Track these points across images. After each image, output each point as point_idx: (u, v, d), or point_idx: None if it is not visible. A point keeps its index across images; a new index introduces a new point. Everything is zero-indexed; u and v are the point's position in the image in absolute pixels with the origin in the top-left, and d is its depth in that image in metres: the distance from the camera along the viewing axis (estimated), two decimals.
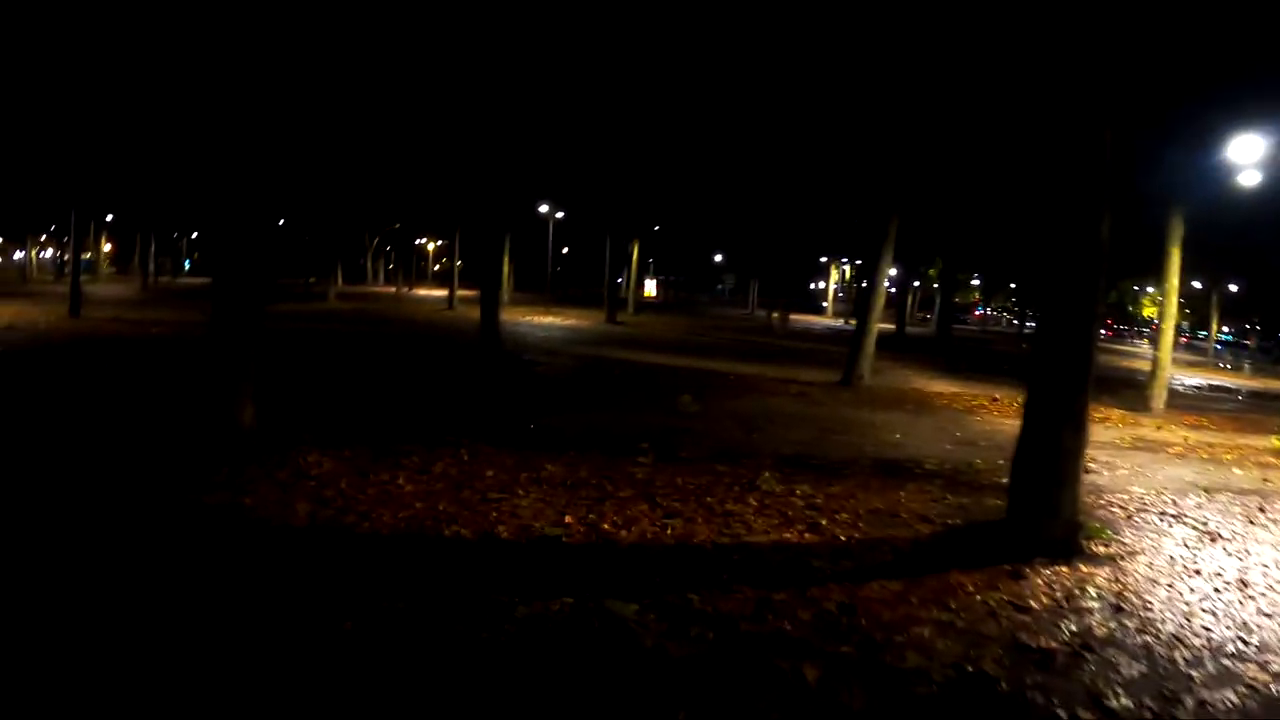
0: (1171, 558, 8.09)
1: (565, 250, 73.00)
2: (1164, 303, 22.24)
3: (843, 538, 8.02)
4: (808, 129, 26.16)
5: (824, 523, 8.41)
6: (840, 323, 62.33)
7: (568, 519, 7.97)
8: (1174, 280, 21.50)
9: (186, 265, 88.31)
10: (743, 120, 28.43)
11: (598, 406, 15.63)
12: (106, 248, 76.02)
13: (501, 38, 21.26)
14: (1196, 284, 55.54)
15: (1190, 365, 49.09)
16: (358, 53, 21.95)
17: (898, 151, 22.07)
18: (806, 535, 8.03)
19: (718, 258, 77.07)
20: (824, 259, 74.60)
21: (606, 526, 7.85)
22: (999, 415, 18.07)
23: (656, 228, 52.65)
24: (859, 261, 61.74)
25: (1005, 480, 9.26)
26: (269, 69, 10.68)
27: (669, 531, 7.84)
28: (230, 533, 7.23)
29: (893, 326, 44.28)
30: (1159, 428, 18.04)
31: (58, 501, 7.80)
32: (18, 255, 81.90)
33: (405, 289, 68.93)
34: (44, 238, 75.73)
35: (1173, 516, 9.77)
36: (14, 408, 12.64)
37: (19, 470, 8.87)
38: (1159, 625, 6.33)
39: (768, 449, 12.08)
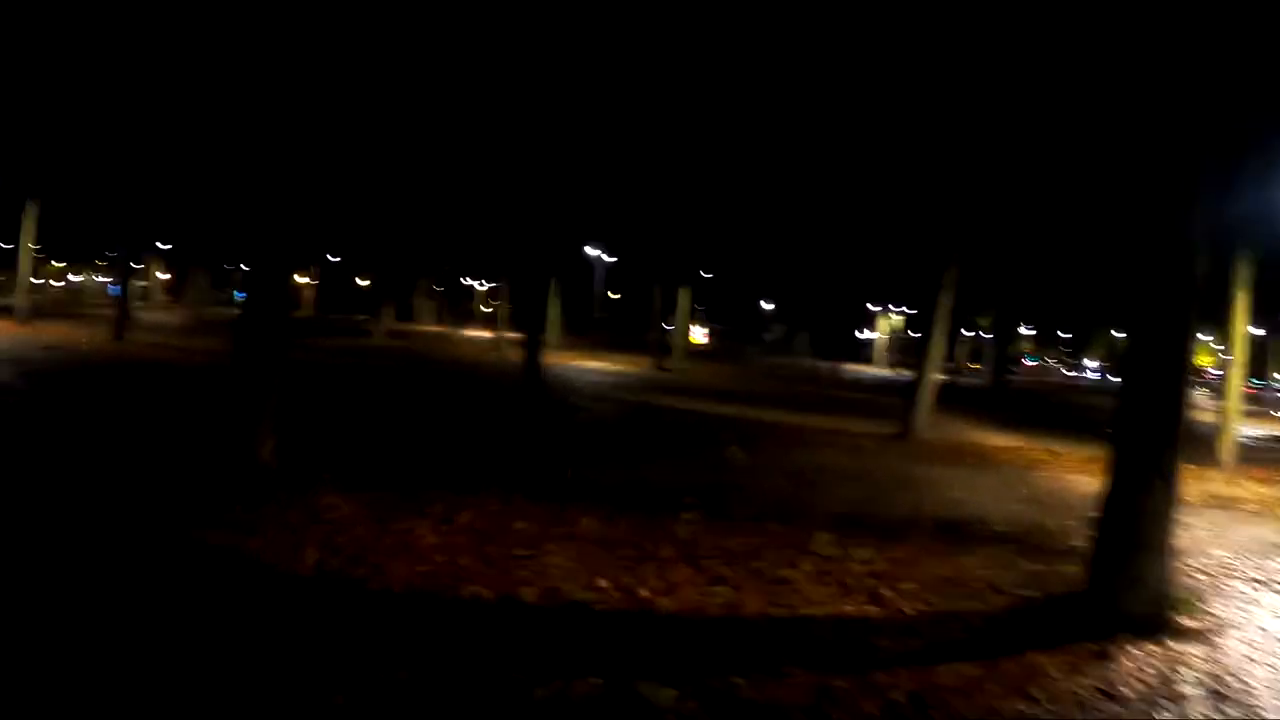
0: (1265, 630, 7.36)
1: (616, 295, 72.85)
2: (1231, 350, 21.29)
3: (908, 611, 7.21)
4: (862, 177, 25.62)
5: (886, 593, 7.59)
6: (890, 372, 61.28)
7: (601, 582, 7.22)
8: (1241, 326, 20.58)
9: (238, 296, 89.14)
10: (796, 169, 27.99)
11: (641, 457, 14.85)
12: (164, 276, 76.94)
13: (555, 83, 21.02)
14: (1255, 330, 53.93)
15: (1247, 415, 47.60)
16: (409, 96, 21.82)
17: (956, 199, 21.32)
18: (867, 607, 7.24)
19: (767, 306, 76.45)
20: (874, 307, 73.65)
21: (644, 593, 7.08)
22: (1063, 470, 17.21)
23: (708, 275, 52.26)
24: (911, 311, 60.94)
25: (1079, 544, 8.54)
26: (309, 110, 10.42)
27: (714, 600, 7.06)
28: (229, 578, 6.65)
29: (946, 377, 43.27)
30: (1229, 483, 17.12)
31: (51, 532, 7.33)
32: (73, 279, 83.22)
33: (453, 329, 68.88)
34: (103, 264, 76.90)
35: (1260, 582, 9.03)
36: (31, 429, 12.35)
37: (18, 496, 8.42)
38: (1265, 714, 5.63)
39: (821, 507, 11.22)
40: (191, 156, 28.09)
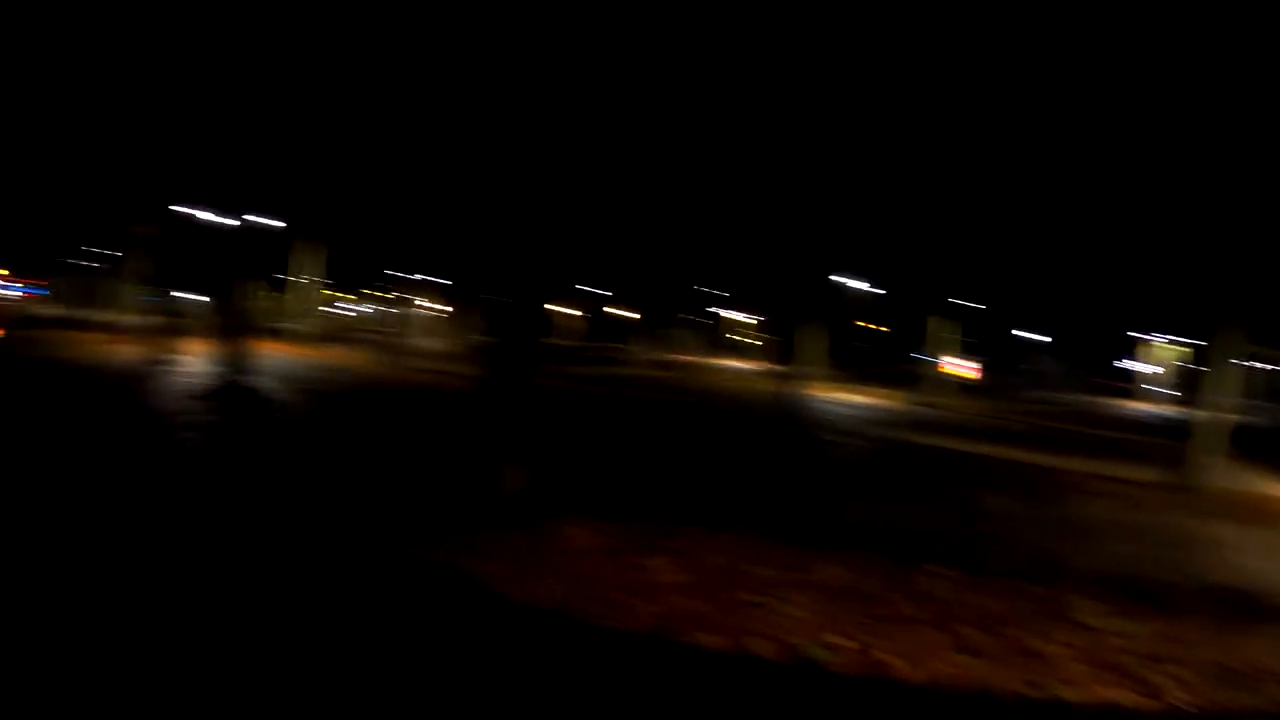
0: None
1: (880, 328, 71.81)
2: None
3: (1179, 704, 6.38)
4: (1137, 201, 23.99)
5: (1155, 678, 6.75)
6: (1167, 409, 57.27)
7: (838, 639, 6.82)
8: None
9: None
10: (1068, 196, 26.57)
11: (892, 499, 14.20)
12: (439, 306, 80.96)
13: (818, 119, 20.76)
14: None
15: None
16: (673, 135, 22.01)
17: (1243, 217, 19.53)
18: (1133, 695, 6.44)
19: (1033, 338, 73.31)
20: (1148, 336, 69.22)
21: (882, 655, 6.60)
22: None
23: (977, 306, 50.54)
24: (1195, 341, 56.92)
25: None
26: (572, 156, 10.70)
27: (959, 671, 6.49)
28: (457, 602, 6.74)
29: (1233, 416, 39.79)
30: None
31: (287, 543, 7.71)
32: (352, 307, 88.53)
33: (712, 360, 69.42)
34: (379, 293, 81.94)
35: None
36: (303, 444, 13.03)
37: (280, 504, 8.83)
38: None
39: (1085, 566, 10.28)
40: (458, 197, 29.37)
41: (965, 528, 11.96)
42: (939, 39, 19.23)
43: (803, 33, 19.02)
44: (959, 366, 49.08)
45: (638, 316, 63.05)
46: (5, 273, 56.76)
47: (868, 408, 35.73)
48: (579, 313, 75.85)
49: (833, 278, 45.78)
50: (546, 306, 42.11)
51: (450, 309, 74.01)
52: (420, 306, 76.19)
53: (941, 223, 31.68)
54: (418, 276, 63.58)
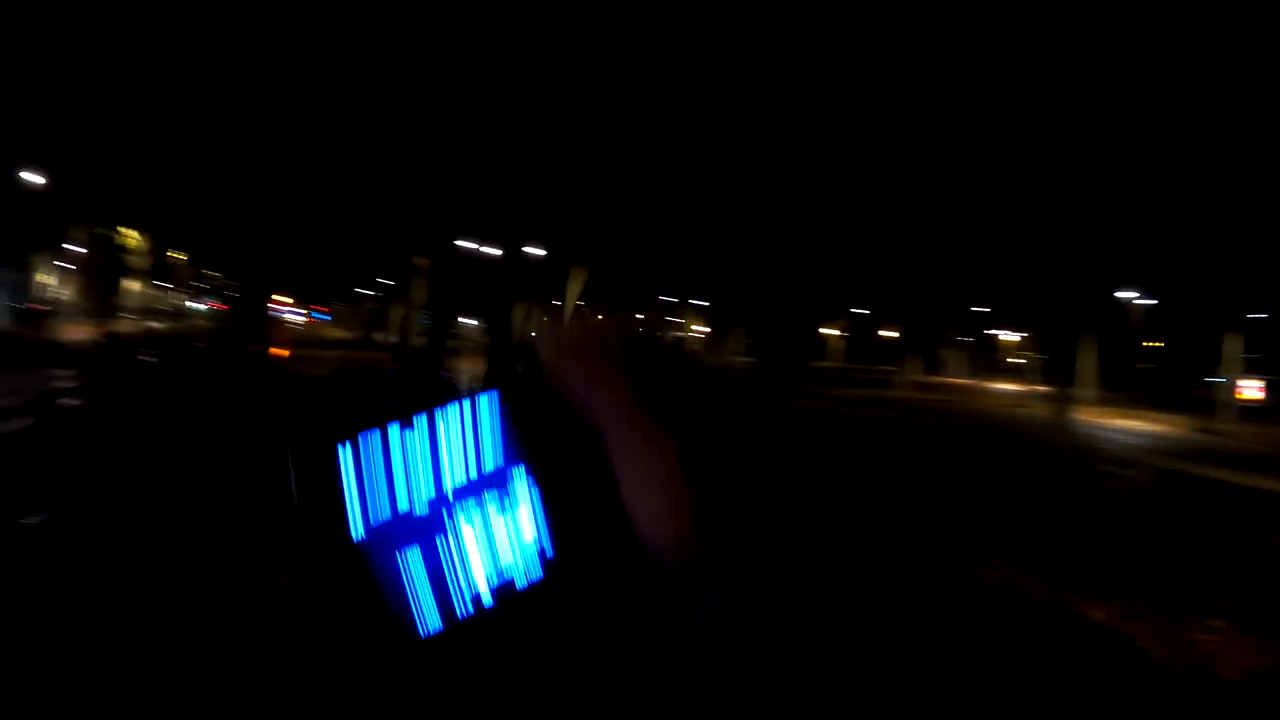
0: None
1: (1157, 344, 67.75)
2: None
3: None
4: None
5: None
6: None
7: None
8: None
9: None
10: None
11: (1170, 539, 13.38)
12: (702, 329, 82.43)
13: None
14: None
15: None
16: (945, 159, 21.73)
17: None
18: None
19: None
20: None
21: None
22: None
23: (1260, 316, 46.70)
24: None
25: None
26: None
27: None
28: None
29: None
30: None
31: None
32: None
33: (980, 382, 67.41)
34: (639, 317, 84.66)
35: None
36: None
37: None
38: None
39: None
40: (723, 220, 29.93)
41: (1253, 576, 11.15)
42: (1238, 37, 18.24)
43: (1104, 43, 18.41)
44: (1244, 387, 45.22)
45: (898, 336, 62.04)
46: (290, 300, 61.91)
47: (1145, 435, 33.72)
48: (840, 333, 75.44)
49: (1106, 290, 43.53)
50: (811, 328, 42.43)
51: (711, 330, 75.17)
52: (685, 329, 77.72)
53: (1239, 220, 29.62)
54: (681, 299, 65.12)
